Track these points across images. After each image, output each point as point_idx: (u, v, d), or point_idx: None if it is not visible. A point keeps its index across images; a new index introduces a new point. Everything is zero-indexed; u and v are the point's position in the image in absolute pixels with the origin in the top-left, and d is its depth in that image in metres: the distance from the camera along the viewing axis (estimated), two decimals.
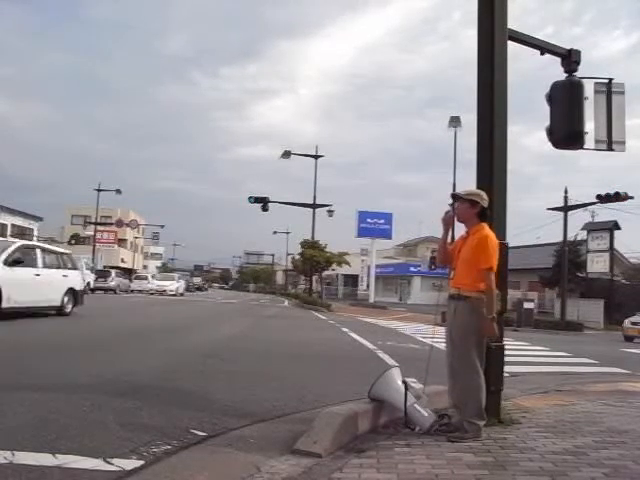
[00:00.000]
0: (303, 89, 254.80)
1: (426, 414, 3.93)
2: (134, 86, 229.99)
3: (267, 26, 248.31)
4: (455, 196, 4.07)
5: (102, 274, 35.57)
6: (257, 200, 29.71)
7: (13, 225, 49.60)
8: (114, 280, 35.64)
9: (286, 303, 38.70)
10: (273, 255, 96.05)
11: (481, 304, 3.78)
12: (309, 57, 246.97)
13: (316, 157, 36.43)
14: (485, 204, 3.98)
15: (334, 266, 43.00)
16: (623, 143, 5.15)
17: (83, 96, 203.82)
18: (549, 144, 4.96)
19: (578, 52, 5.05)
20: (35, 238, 52.35)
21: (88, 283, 26.82)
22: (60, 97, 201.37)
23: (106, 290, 33.74)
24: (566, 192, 25.45)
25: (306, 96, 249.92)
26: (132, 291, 38.24)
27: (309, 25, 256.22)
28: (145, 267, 76.80)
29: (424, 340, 12.22)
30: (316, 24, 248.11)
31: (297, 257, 49.73)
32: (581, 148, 4.91)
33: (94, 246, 49.96)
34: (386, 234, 45.90)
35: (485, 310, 3.72)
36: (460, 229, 4.22)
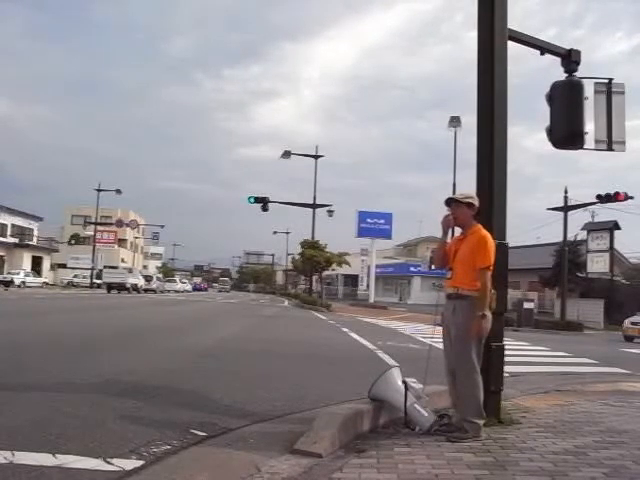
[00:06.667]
0: (306, 90, 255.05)
1: (426, 414, 3.93)
2: (136, 87, 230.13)
3: (270, 28, 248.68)
4: (451, 200, 4.07)
5: (146, 278, 47.25)
6: (257, 200, 29.63)
7: (13, 225, 49.56)
8: (155, 283, 48.09)
9: (286, 303, 38.71)
10: (273, 255, 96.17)
11: None
12: (312, 59, 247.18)
13: (316, 157, 36.41)
14: (477, 204, 4.05)
15: (334, 266, 42.94)
16: (623, 143, 5.15)
17: (84, 96, 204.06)
18: (549, 144, 4.96)
19: (578, 52, 5.05)
20: (35, 238, 52.41)
21: (141, 286, 42.94)
22: (61, 97, 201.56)
23: (147, 290, 44.17)
24: (566, 192, 25.47)
25: (308, 97, 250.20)
26: (167, 291, 50.38)
27: (312, 27, 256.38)
28: (145, 267, 76.72)
29: (424, 340, 12.22)
30: (319, 26, 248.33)
31: (297, 257, 49.74)
32: (581, 148, 4.91)
33: (94, 246, 49.94)
34: (386, 234, 45.90)
35: (476, 307, 3.76)
36: (456, 231, 4.24)
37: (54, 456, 3.04)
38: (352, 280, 60.14)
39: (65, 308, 17.97)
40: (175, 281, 58.84)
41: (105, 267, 47.65)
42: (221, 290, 78.01)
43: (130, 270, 44.64)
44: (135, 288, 41.42)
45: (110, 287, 39.67)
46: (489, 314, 3.89)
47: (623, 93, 5.16)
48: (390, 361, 8.02)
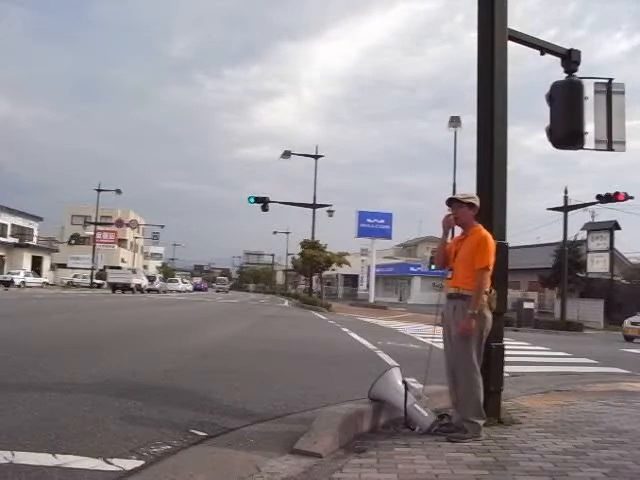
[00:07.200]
0: (306, 90, 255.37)
1: (426, 414, 3.94)
2: (137, 87, 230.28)
3: (271, 28, 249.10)
4: (453, 200, 4.08)
5: (149, 278, 48.40)
6: (257, 200, 29.60)
7: (13, 225, 49.55)
8: (158, 283, 49.81)
9: (286, 303, 38.71)
10: (273, 255, 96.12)
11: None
12: (312, 59, 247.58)
13: (316, 157, 36.43)
14: (478, 205, 4.06)
15: (334, 266, 42.98)
16: (623, 143, 5.15)
17: (85, 96, 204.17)
18: (549, 144, 4.96)
19: (578, 52, 5.04)
20: (35, 238, 52.41)
21: (144, 286, 43.73)
22: (62, 98, 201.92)
23: (150, 290, 45.33)
24: (566, 192, 25.46)
25: (309, 98, 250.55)
26: (170, 291, 51.56)
27: (313, 27, 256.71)
28: (145, 267, 76.74)
29: (424, 340, 12.22)
30: (320, 27, 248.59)
31: (297, 257, 49.76)
32: (581, 148, 4.91)
33: (94, 246, 49.91)
34: (386, 234, 45.94)
35: (469, 306, 3.77)
36: (457, 231, 4.25)
37: (54, 456, 3.04)
38: (352, 280, 60.16)
39: (65, 308, 17.97)
40: (177, 281, 60.91)
41: (107, 267, 49.12)
42: (219, 290, 71.45)
43: (134, 271, 46.17)
44: (139, 288, 42.74)
45: (115, 287, 41.14)
46: (489, 314, 3.89)
47: (623, 93, 5.16)
48: (390, 361, 8.02)
